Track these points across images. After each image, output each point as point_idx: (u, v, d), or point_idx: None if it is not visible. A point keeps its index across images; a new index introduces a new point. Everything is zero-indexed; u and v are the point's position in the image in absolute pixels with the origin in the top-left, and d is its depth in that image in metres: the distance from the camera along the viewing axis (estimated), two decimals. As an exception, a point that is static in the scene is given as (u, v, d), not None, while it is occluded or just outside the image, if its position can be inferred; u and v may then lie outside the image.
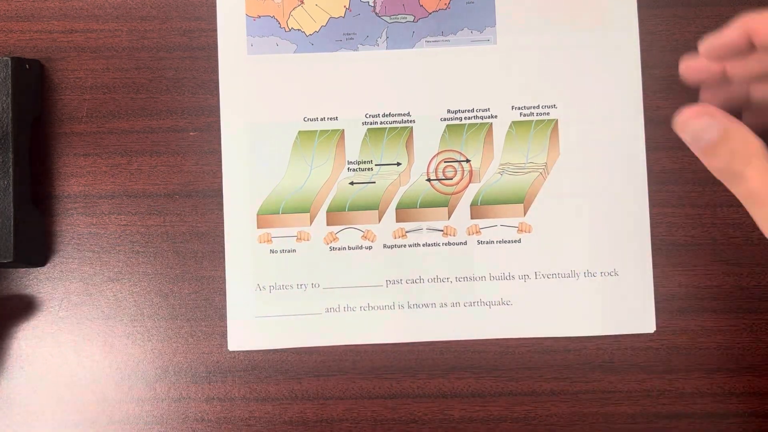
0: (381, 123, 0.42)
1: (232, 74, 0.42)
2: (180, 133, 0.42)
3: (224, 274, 0.41)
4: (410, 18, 0.42)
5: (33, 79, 0.41)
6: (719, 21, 0.42)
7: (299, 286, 0.41)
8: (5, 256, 0.39)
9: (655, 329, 0.41)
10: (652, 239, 0.41)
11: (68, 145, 0.42)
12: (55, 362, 0.41)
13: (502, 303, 0.41)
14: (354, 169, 0.41)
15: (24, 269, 0.41)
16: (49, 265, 0.41)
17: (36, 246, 0.41)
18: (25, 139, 0.40)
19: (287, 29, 0.42)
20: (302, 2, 0.42)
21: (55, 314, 0.41)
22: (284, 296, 0.41)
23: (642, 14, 0.42)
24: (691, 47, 0.42)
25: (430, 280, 0.41)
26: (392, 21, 0.41)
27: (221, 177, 0.41)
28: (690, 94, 0.42)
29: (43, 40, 0.42)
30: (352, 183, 0.41)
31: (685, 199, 0.41)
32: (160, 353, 0.41)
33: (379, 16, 0.42)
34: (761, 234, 0.41)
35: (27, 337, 0.41)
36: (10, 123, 0.39)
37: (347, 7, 0.42)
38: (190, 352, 0.41)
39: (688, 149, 0.42)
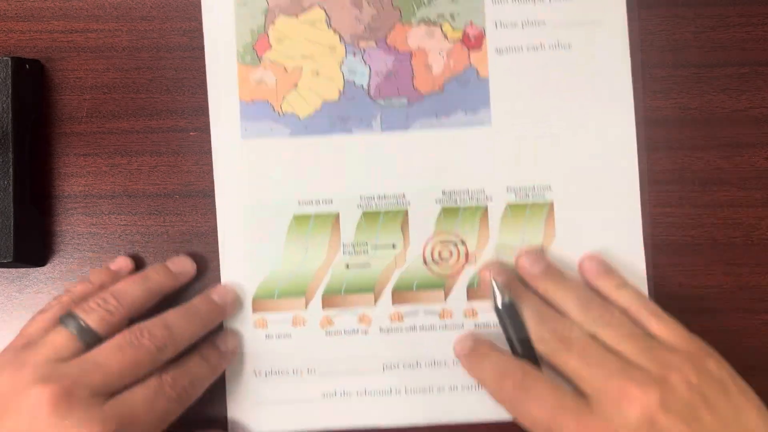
0: (376, 205, 0.41)
1: (226, 159, 0.41)
2: (180, 133, 0.42)
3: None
4: (404, 101, 0.41)
5: (33, 79, 0.41)
6: (719, 21, 0.42)
7: (295, 372, 0.40)
8: (5, 256, 0.39)
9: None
10: (652, 239, 0.41)
11: (68, 145, 0.42)
12: (55, 362, 0.41)
13: None
14: (349, 252, 0.41)
15: (24, 269, 0.41)
16: (49, 265, 0.41)
17: (36, 246, 0.41)
18: (25, 139, 0.40)
19: (281, 113, 0.41)
20: (296, 86, 0.41)
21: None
22: (280, 382, 0.40)
23: (642, 14, 0.42)
24: (691, 47, 0.42)
25: (427, 364, 0.40)
26: (386, 104, 0.41)
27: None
28: (690, 95, 0.42)
29: (43, 40, 0.42)
30: (347, 266, 0.41)
31: (685, 199, 0.41)
32: (160, 353, 0.41)
33: (373, 99, 0.41)
34: (761, 234, 0.41)
35: (27, 337, 0.41)
36: (10, 123, 0.39)
37: (341, 90, 0.41)
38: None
39: (687, 149, 0.42)
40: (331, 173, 0.41)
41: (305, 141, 0.41)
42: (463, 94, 0.41)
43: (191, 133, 0.42)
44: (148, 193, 0.42)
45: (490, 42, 0.42)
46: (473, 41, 0.42)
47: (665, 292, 0.41)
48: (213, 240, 0.41)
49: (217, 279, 0.41)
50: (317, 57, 0.41)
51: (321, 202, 0.41)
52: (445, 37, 0.42)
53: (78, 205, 0.42)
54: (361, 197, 0.41)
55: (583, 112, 0.41)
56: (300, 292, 0.41)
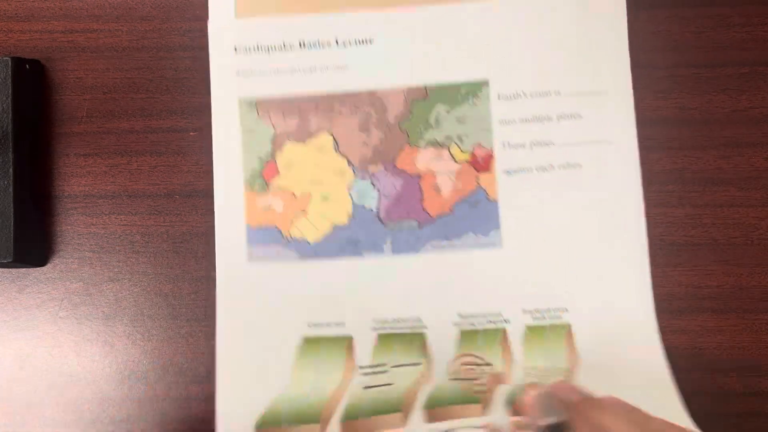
0: (391, 328, 0.40)
1: (231, 281, 0.40)
2: (180, 133, 0.42)
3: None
4: (414, 224, 0.40)
5: (33, 79, 0.41)
6: (719, 21, 0.42)
7: None
8: (5, 256, 0.39)
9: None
10: (652, 239, 0.41)
11: (68, 145, 0.42)
12: (55, 362, 0.41)
13: None
14: (367, 373, 0.39)
15: (24, 269, 0.41)
16: (49, 265, 0.41)
17: (36, 246, 0.41)
18: (26, 139, 0.40)
19: (290, 238, 0.40)
20: (305, 211, 0.40)
21: (55, 314, 0.41)
22: None
23: (642, 14, 0.42)
24: (691, 47, 0.42)
25: None
26: (396, 227, 0.40)
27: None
28: (690, 95, 0.42)
29: (43, 40, 0.42)
30: (365, 387, 0.38)
31: (685, 199, 0.41)
32: (160, 353, 0.41)
33: (383, 223, 0.40)
34: (761, 234, 0.41)
35: (27, 337, 0.41)
36: (10, 123, 0.39)
37: (350, 214, 0.41)
38: (190, 352, 0.41)
39: (687, 149, 0.42)
40: (343, 296, 0.40)
41: (315, 264, 0.40)
42: (473, 216, 0.40)
43: (191, 133, 0.42)
44: (148, 193, 0.42)
45: (499, 163, 0.41)
46: (482, 163, 0.41)
47: (665, 292, 0.41)
48: (212, 240, 0.41)
49: (213, 281, 0.41)
50: (326, 182, 0.41)
51: (332, 324, 0.40)
52: (454, 159, 0.41)
53: (78, 205, 0.42)
54: (374, 320, 0.40)
55: (595, 231, 0.40)
56: (313, 419, 0.37)
